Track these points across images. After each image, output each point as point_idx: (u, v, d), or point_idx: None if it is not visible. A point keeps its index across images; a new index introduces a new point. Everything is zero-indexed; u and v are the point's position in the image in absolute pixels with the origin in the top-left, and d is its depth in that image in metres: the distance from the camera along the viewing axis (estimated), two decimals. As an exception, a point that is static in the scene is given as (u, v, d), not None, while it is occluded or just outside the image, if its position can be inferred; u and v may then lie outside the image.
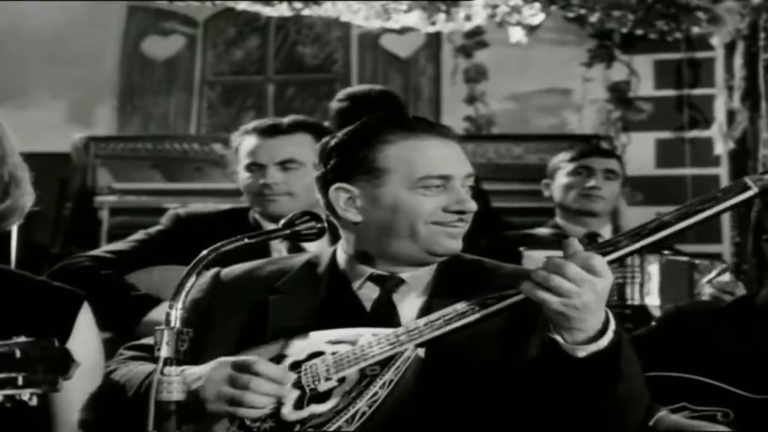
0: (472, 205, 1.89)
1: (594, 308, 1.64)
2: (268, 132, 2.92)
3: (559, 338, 1.67)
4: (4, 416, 1.45)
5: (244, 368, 1.71)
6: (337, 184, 1.92)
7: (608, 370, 1.68)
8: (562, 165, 3.67)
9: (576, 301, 1.62)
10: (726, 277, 3.09)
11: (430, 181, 1.87)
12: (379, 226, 1.89)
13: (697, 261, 3.31)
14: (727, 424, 2.04)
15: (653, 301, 3.22)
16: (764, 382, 2.06)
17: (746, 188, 1.71)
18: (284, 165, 2.88)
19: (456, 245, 1.90)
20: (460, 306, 1.75)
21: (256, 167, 2.91)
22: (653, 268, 3.22)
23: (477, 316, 1.74)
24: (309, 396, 1.74)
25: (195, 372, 1.74)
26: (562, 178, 3.64)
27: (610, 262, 1.70)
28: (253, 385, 1.70)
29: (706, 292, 2.95)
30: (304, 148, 2.88)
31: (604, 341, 1.66)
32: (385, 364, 1.73)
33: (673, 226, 1.71)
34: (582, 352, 1.66)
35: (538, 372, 1.74)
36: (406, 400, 1.71)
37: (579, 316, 1.64)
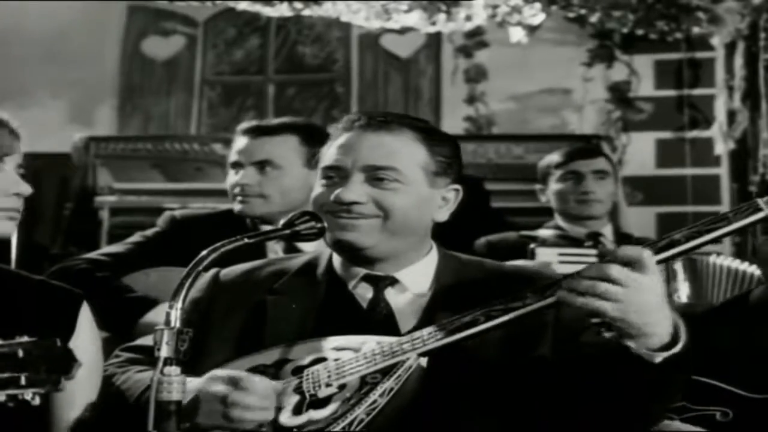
0: (345, 195, 1.84)
1: (653, 309, 1.60)
2: (253, 132, 2.91)
3: (631, 344, 1.62)
4: (7, 415, 1.46)
5: (233, 384, 1.70)
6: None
7: (681, 372, 1.66)
8: (551, 171, 3.63)
9: (629, 305, 1.58)
10: None
11: (325, 171, 1.91)
12: None
13: None
14: (727, 423, 2.04)
15: (681, 299, 3.20)
16: (763, 382, 2.06)
17: (758, 210, 1.70)
18: (260, 166, 2.86)
19: (347, 236, 1.86)
20: (465, 316, 1.74)
21: (237, 167, 2.91)
22: (678, 266, 3.20)
23: (482, 327, 1.72)
24: (308, 402, 1.73)
25: (188, 386, 1.74)
26: (553, 185, 3.61)
27: None
28: (242, 400, 1.68)
29: None
30: (285, 150, 2.87)
31: (678, 345, 1.62)
32: (386, 372, 1.71)
33: (682, 245, 1.70)
34: (658, 358, 1.62)
35: (594, 373, 1.70)
36: (405, 409, 1.70)
37: (638, 320, 1.59)
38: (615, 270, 1.59)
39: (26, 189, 1.85)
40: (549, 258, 3.27)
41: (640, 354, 1.62)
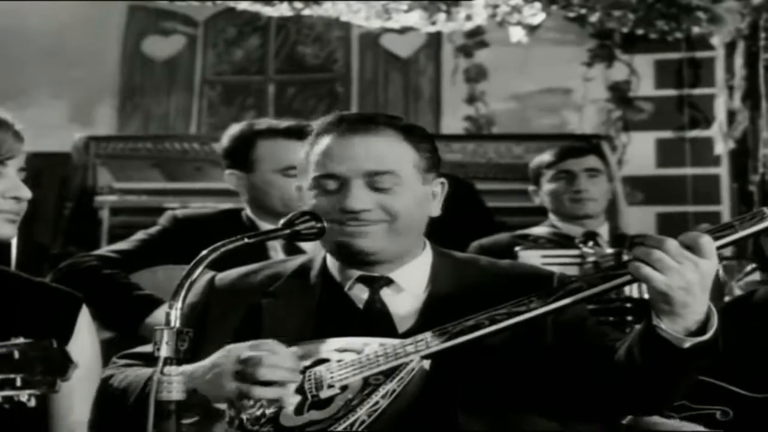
0: (354, 204, 1.85)
1: (697, 292, 1.62)
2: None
3: (662, 326, 1.63)
4: (3, 417, 1.45)
5: (257, 348, 1.71)
6: None
7: (707, 358, 1.67)
8: (542, 171, 3.61)
9: (678, 280, 1.60)
10: (756, 276, 3.03)
11: (319, 180, 1.91)
12: None
13: (723, 262, 3.23)
14: (727, 422, 2.04)
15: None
16: (763, 381, 2.06)
17: (764, 218, 1.71)
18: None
19: (358, 244, 1.88)
20: (469, 319, 1.74)
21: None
22: None
23: (485, 330, 1.72)
24: (310, 402, 1.73)
25: (200, 364, 1.74)
26: (546, 185, 3.59)
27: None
28: (269, 360, 1.68)
29: (737, 293, 2.89)
30: None
31: (709, 333, 1.64)
32: (389, 374, 1.72)
33: None
34: (687, 343, 1.63)
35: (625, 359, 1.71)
36: (407, 411, 1.70)
37: (681, 298, 1.61)
38: (672, 244, 1.61)
39: (26, 193, 1.84)
40: (531, 260, 3.25)
41: (667, 338, 1.63)
